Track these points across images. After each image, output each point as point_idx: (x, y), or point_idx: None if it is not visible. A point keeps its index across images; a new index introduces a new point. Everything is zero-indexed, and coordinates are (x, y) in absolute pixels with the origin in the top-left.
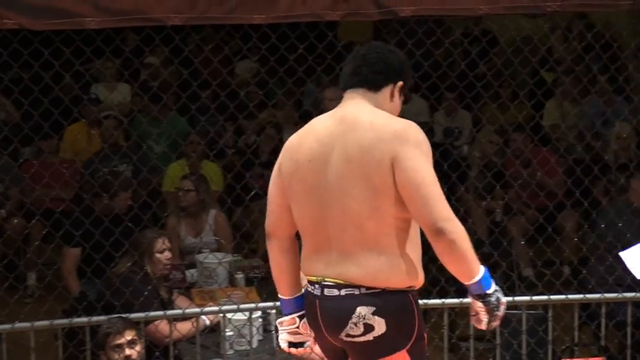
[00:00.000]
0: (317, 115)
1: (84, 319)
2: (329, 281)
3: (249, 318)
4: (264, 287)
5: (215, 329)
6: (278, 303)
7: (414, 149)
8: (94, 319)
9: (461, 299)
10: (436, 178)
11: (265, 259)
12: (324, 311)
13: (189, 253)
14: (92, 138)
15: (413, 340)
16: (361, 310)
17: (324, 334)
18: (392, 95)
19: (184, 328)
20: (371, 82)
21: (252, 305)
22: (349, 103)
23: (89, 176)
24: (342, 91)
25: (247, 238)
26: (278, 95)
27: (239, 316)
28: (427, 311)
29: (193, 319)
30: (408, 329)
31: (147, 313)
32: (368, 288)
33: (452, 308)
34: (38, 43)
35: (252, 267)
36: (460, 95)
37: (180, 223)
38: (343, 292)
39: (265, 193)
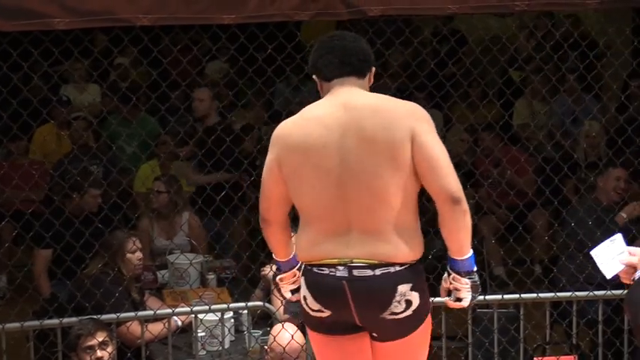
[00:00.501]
0: (287, 115)
1: (55, 321)
2: (359, 262)
3: (221, 318)
4: (236, 288)
5: (187, 330)
6: (250, 303)
7: (427, 125)
8: (65, 320)
9: (432, 298)
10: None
11: (236, 259)
12: (359, 292)
13: (161, 254)
14: (62, 139)
15: (430, 302)
16: (402, 287)
17: (352, 313)
18: (370, 80)
19: (156, 329)
20: (359, 70)
21: (224, 306)
22: (343, 90)
23: (59, 177)
24: (324, 80)
25: (218, 239)
26: (248, 95)
27: (211, 316)
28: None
29: (165, 320)
30: (427, 295)
31: (118, 314)
32: (401, 264)
33: None
34: (7, 44)
35: (223, 267)
36: (430, 94)
37: (152, 224)
38: (378, 271)
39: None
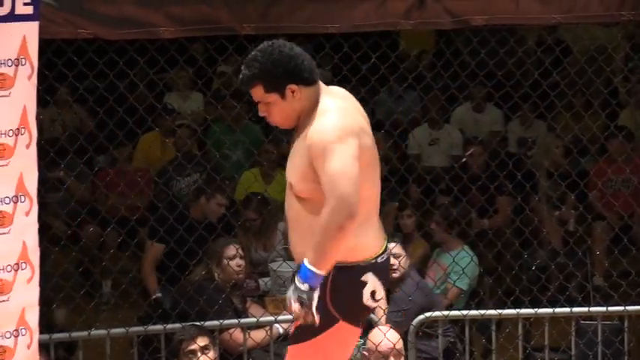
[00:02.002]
0: (391, 124)
1: (159, 327)
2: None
3: None
4: None
5: (288, 338)
6: None
7: None
8: (169, 326)
9: (536, 309)
10: None
11: None
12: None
13: (259, 264)
14: (166, 147)
15: None
16: None
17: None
18: None
19: (258, 336)
20: None
21: None
22: (325, 87)
23: (163, 185)
24: (308, 85)
25: None
26: None
27: None
28: (502, 321)
29: (267, 328)
30: None
31: (221, 321)
32: None
33: (527, 318)
34: (113, 52)
35: None
36: (534, 104)
37: (249, 238)
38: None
39: None
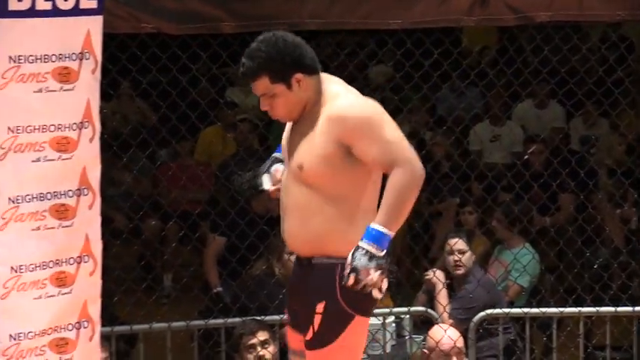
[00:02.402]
0: (453, 121)
1: (219, 321)
2: None
3: (383, 323)
4: (398, 292)
5: None
6: (412, 308)
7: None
8: (230, 320)
9: (597, 308)
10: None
11: (399, 264)
12: None
13: None
14: (227, 141)
15: None
16: None
17: None
18: None
19: None
20: None
21: (386, 310)
22: (333, 77)
23: (224, 179)
24: (312, 74)
25: None
26: (413, 100)
27: (373, 320)
28: (563, 319)
29: None
30: None
31: (281, 315)
32: None
33: (588, 317)
34: (176, 47)
35: None
36: (597, 102)
37: None
38: None
39: None
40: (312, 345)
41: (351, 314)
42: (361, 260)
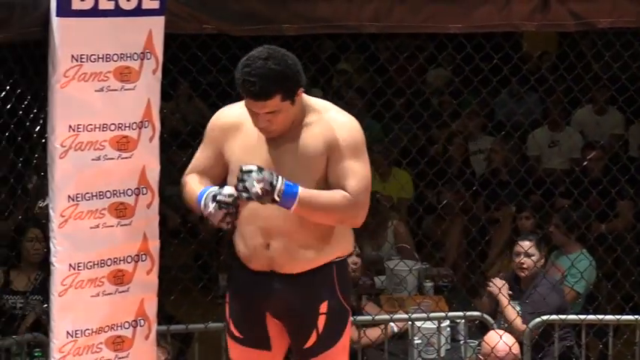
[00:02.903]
0: (512, 126)
1: None
2: None
3: (438, 327)
4: (454, 296)
5: (403, 336)
6: (468, 313)
7: None
8: None
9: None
10: (196, 154)
11: (454, 269)
12: None
13: (373, 263)
14: None
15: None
16: None
17: None
18: None
19: (373, 334)
20: None
21: (442, 314)
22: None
23: None
24: (304, 89)
25: (438, 247)
26: (472, 105)
27: (427, 324)
28: (620, 327)
29: (382, 326)
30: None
31: None
32: None
33: None
34: (236, 48)
35: (441, 275)
36: None
37: (361, 235)
38: None
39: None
40: (317, 350)
41: (347, 309)
42: (254, 186)
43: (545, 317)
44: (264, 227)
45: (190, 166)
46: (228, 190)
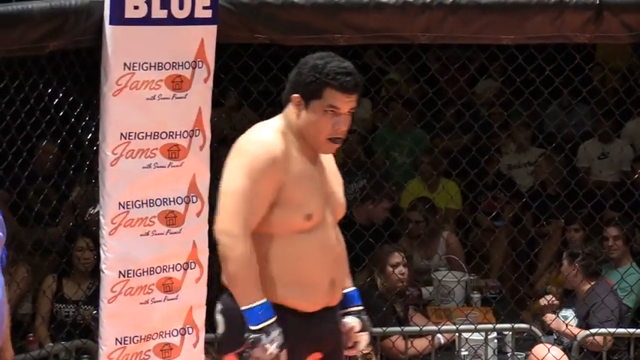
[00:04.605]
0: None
1: None
2: None
3: (485, 338)
4: (501, 308)
5: (450, 348)
6: (516, 325)
7: (237, 160)
8: None
9: None
10: (243, 191)
11: (501, 280)
12: None
13: (421, 273)
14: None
15: (239, 350)
16: (218, 304)
17: None
18: (295, 108)
19: (420, 345)
20: (283, 96)
21: (489, 326)
22: None
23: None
24: None
25: (486, 259)
26: (523, 117)
27: (475, 336)
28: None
29: (429, 337)
30: (233, 337)
31: (384, 328)
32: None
33: None
34: (287, 57)
35: (489, 287)
36: None
37: (412, 245)
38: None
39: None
40: None
41: None
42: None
43: (593, 330)
44: (331, 262)
45: (245, 212)
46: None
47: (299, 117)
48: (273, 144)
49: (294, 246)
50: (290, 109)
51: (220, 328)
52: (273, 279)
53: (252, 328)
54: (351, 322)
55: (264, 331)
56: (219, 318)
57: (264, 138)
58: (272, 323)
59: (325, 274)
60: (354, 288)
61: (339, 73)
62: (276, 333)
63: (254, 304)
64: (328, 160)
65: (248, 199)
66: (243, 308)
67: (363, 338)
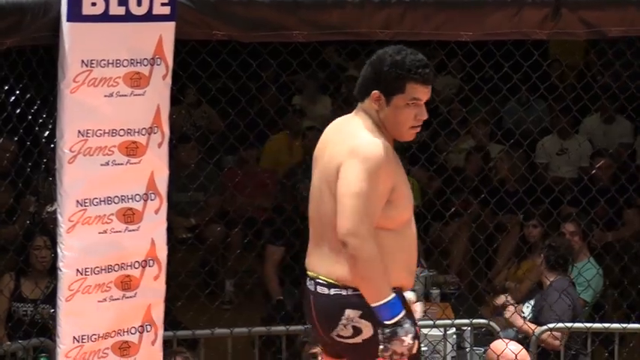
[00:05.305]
0: (520, 134)
1: (281, 328)
2: (322, 279)
3: (444, 334)
4: (460, 304)
5: None
6: (474, 320)
7: (357, 162)
8: (292, 328)
9: None
10: (365, 192)
11: (460, 275)
12: (318, 308)
13: None
14: (294, 149)
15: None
16: (349, 312)
17: (318, 329)
18: (375, 104)
19: None
20: (358, 92)
21: (448, 322)
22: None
23: (290, 186)
24: None
25: (445, 255)
26: (481, 114)
27: (434, 331)
28: (626, 336)
29: None
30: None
31: None
32: (354, 290)
33: None
34: (246, 54)
35: (447, 283)
36: None
37: None
38: (332, 291)
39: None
40: None
41: None
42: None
43: (551, 325)
44: (415, 242)
45: (370, 213)
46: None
47: (380, 112)
48: (386, 146)
49: (405, 237)
50: (368, 105)
51: (367, 332)
52: (394, 270)
53: (387, 322)
54: (410, 296)
55: (399, 324)
56: (363, 322)
57: (375, 140)
58: (404, 316)
59: (412, 261)
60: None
61: (419, 66)
62: (408, 324)
63: (387, 300)
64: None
65: (369, 201)
66: (375, 305)
67: (418, 308)
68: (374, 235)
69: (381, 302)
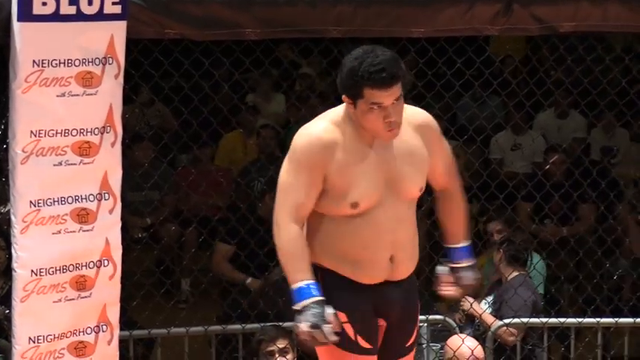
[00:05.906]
0: (474, 130)
1: (238, 326)
2: None
3: None
4: None
5: None
6: (430, 316)
7: (287, 156)
8: (248, 326)
9: (616, 319)
10: (284, 182)
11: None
12: None
13: None
14: (248, 147)
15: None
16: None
17: None
18: (347, 106)
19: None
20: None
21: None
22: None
23: (245, 185)
24: None
25: None
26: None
27: None
28: (581, 330)
29: None
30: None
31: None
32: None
33: (607, 328)
34: (199, 53)
35: None
36: (620, 113)
37: None
38: None
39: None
40: (412, 347)
41: None
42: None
43: (507, 320)
44: (390, 241)
45: (289, 202)
46: (330, 313)
47: (353, 113)
48: (317, 136)
49: (347, 227)
50: (345, 104)
51: None
52: (334, 254)
53: (294, 307)
54: (441, 271)
55: (301, 311)
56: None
57: (309, 130)
58: (309, 305)
59: (382, 252)
60: (461, 245)
61: (373, 71)
62: (310, 314)
63: (296, 286)
64: (406, 140)
65: (289, 190)
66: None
67: (450, 290)
68: (293, 224)
69: (292, 287)
